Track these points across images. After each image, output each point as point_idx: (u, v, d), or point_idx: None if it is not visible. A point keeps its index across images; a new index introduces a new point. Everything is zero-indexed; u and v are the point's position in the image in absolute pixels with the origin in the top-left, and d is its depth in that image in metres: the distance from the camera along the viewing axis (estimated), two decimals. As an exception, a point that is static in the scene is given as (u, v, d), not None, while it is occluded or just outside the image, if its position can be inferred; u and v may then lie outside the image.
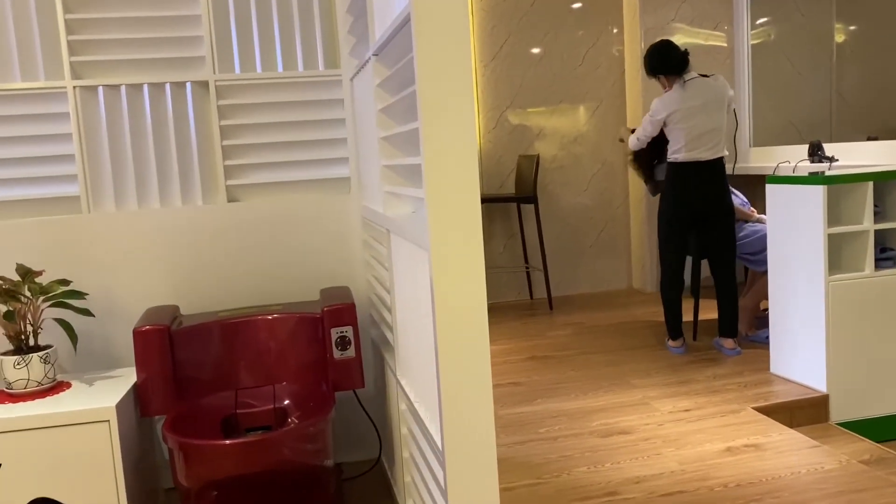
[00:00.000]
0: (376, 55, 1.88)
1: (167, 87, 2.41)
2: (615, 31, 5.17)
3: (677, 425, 2.70)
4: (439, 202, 1.39)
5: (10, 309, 2.05)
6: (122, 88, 2.38)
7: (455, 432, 1.41)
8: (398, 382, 2.01)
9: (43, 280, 2.11)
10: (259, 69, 2.46)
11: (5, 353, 2.06)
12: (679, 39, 5.00)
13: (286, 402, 2.11)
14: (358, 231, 2.57)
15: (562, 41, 5.10)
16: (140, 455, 2.12)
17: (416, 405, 1.77)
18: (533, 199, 4.61)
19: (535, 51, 5.08)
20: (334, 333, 2.18)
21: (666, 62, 3.51)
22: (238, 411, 2.08)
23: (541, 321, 4.49)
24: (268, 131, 2.51)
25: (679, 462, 2.40)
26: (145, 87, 2.40)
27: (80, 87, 2.35)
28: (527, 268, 5.07)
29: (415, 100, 1.50)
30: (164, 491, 2.35)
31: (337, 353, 2.18)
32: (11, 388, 2.05)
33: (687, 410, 2.84)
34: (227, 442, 1.79)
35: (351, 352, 2.19)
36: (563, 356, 3.69)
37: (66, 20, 2.31)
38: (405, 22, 1.48)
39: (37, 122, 2.36)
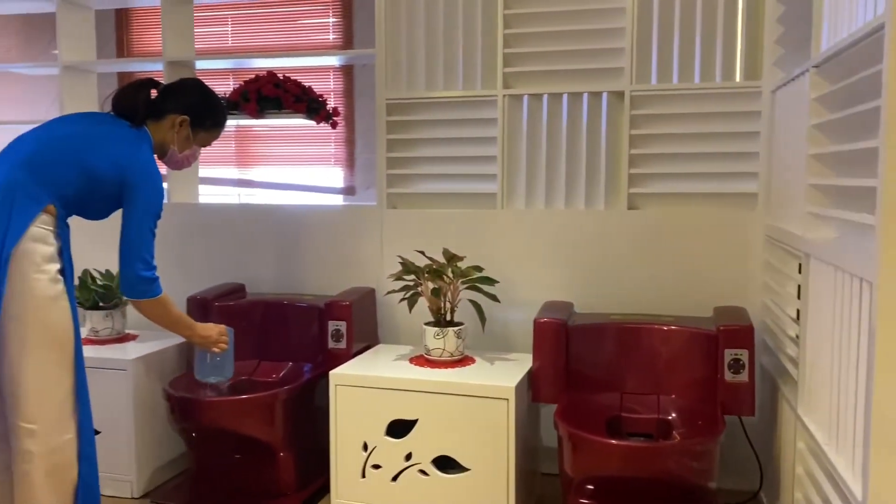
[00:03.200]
0: (816, 67, 1.76)
1: (584, 96, 2.55)
2: None
3: None
4: (896, 231, 1.25)
5: (437, 287, 2.37)
6: (545, 97, 2.58)
7: (883, 490, 1.27)
8: (798, 418, 1.86)
9: (462, 265, 2.39)
10: (675, 80, 2.47)
11: (428, 324, 2.39)
12: None
13: (672, 415, 2.09)
14: (758, 250, 2.44)
15: None
16: (526, 436, 2.29)
17: (823, 447, 1.63)
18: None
19: None
20: (728, 355, 2.10)
21: None
22: (623, 414, 2.13)
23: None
24: (675, 142, 2.50)
25: None
26: (564, 97, 2.56)
27: (509, 95, 2.60)
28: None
29: (870, 117, 1.36)
30: (540, 474, 2.50)
31: (728, 376, 2.10)
32: (430, 355, 2.36)
33: None
34: (617, 442, 1.84)
35: (744, 376, 2.09)
36: None
37: (504, 35, 2.57)
38: (871, 33, 1.36)
39: (471, 126, 2.67)
